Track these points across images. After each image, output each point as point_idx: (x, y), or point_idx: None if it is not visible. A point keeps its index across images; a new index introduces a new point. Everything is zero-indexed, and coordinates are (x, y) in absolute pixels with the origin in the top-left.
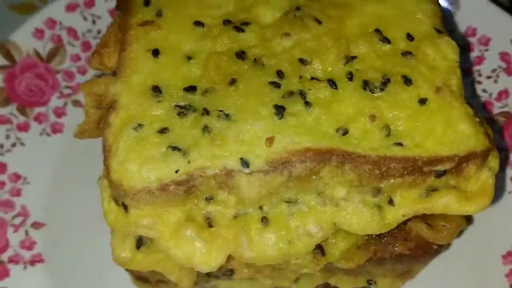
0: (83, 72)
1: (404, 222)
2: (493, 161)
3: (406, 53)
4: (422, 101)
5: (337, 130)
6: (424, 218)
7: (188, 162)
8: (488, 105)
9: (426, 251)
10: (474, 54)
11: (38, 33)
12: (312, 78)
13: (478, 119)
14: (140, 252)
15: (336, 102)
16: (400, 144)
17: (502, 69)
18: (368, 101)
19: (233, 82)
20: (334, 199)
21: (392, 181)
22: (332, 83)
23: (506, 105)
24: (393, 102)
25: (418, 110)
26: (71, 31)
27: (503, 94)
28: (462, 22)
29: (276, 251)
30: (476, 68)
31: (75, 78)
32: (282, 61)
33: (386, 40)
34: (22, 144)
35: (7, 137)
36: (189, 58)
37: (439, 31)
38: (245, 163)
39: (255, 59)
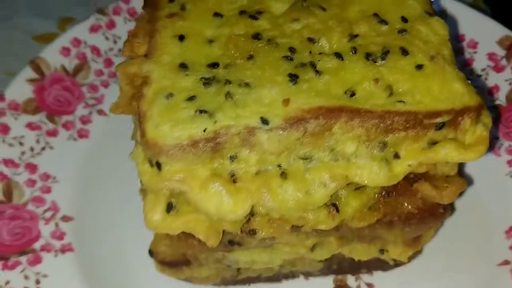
0: (106, 85)
1: (411, 183)
2: (486, 119)
3: (402, 31)
4: (419, 67)
5: (345, 92)
6: (429, 179)
7: (215, 122)
8: None
9: (432, 214)
10: (465, 56)
11: (65, 51)
12: (320, 53)
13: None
14: (170, 215)
15: (343, 71)
16: (402, 102)
17: (491, 67)
18: (371, 68)
19: (250, 57)
20: (345, 155)
21: (396, 134)
22: (339, 55)
23: (497, 99)
24: (394, 68)
25: (416, 74)
26: (95, 50)
27: (494, 89)
28: (451, 29)
29: (295, 201)
30: (467, 68)
31: (99, 90)
32: (293, 40)
33: (384, 22)
34: (51, 148)
35: (37, 141)
36: (211, 41)
37: (429, 14)
38: (265, 121)
39: (269, 40)
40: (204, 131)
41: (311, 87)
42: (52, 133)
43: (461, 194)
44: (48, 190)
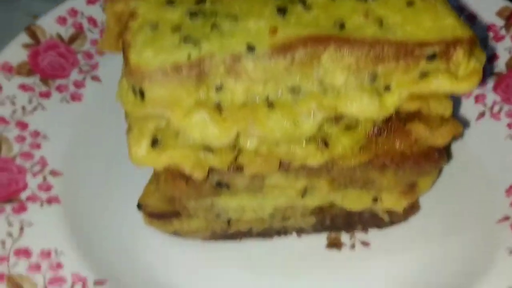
0: (101, 53)
1: (404, 123)
2: (480, 54)
3: None
4: (410, 3)
5: (334, 24)
6: (422, 120)
7: (199, 50)
8: None
9: (427, 158)
10: None
11: (61, 20)
12: None
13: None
14: (155, 150)
15: (333, 6)
16: (392, 33)
17: (490, 37)
18: (361, 3)
19: None
20: (335, 86)
21: (386, 64)
22: None
23: (496, 66)
24: (384, 5)
25: (407, 10)
26: (91, 20)
27: (492, 58)
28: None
29: (282, 130)
30: None
31: (93, 58)
32: None
33: None
34: (43, 108)
35: (30, 101)
36: None
37: None
38: (251, 48)
39: None
40: (189, 57)
41: (299, 20)
42: (45, 95)
43: (456, 137)
44: (37, 146)
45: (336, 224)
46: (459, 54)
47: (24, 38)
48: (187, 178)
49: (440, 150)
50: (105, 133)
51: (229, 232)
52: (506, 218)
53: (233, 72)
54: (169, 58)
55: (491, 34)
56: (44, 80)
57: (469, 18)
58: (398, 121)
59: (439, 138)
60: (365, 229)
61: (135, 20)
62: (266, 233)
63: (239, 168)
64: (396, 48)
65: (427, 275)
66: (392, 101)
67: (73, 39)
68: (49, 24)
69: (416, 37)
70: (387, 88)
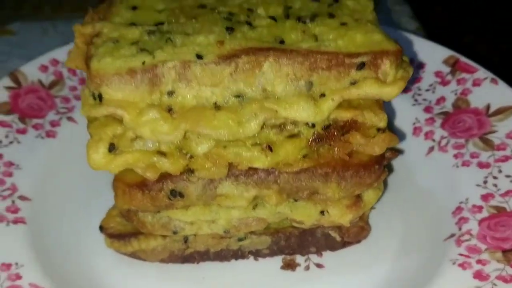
0: (78, 98)
1: (342, 133)
2: (408, 67)
3: (331, 4)
4: (344, 24)
5: (275, 39)
6: (359, 130)
7: (153, 57)
8: (429, 109)
9: (367, 168)
10: (413, 76)
11: (43, 68)
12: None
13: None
14: (112, 155)
15: (275, 27)
16: (326, 45)
17: (438, 82)
18: (300, 25)
19: (193, 18)
20: (276, 93)
21: (320, 73)
22: (273, 18)
23: (444, 107)
24: (321, 25)
25: (340, 28)
26: (71, 70)
27: (440, 100)
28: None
29: (227, 128)
30: (415, 85)
31: (71, 101)
32: (234, 9)
33: (316, 0)
34: (19, 142)
35: (6, 136)
36: (160, 11)
37: None
38: (199, 56)
39: (212, 8)
40: (143, 63)
41: (244, 36)
42: (22, 131)
43: (394, 154)
44: (9, 174)
45: (291, 245)
46: (386, 64)
47: (6, 81)
48: (142, 189)
49: (379, 162)
50: (76, 166)
51: (187, 253)
52: (452, 235)
53: (183, 77)
54: (125, 64)
55: (438, 80)
56: (22, 119)
57: (419, 66)
58: (337, 130)
59: (375, 146)
60: (319, 251)
61: (100, 37)
62: (223, 255)
63: (190, 171)
64: (328, 58)
65: None
66: (327, 106)
67: (53, 84)
68: (31, 71)
69: (347, 49)
70: (322, 95)
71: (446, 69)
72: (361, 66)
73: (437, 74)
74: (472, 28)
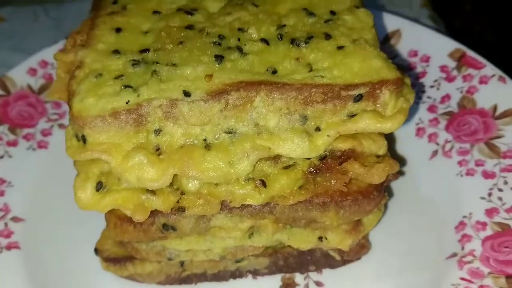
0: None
1: (340, 162)
2: (409, 95)
3: (328, 20)
4: (340, 47)
5: (267, 70)
6: (358, 159)
7: (138, 95)
8: (433, 108)
9: (366, 196)
10: (417, 70)
11: (32, 71)
12: (248, 40)
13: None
14: (99, 194)
15: (268, 53)
16: (321, 76)
17: (443, 78)
18: (294, 50)
19: (180, 43)
20: (268, 128)
21: (315, 107)
22: (265, 41)
23: (449, 106)
24: (316, 49)
25: (336, 52)
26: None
27: (445, 98)
28: (405, 47)
29: (218, 170)
30: (419, 81)
31: (61, 107)
32: (223, 29)
33: (312, 15)
34: (9, 156)
35: None
36: (146, 32)
37: (357, 7)
38: (187, 93)
39: (200, 29)
40: (127, 103)
41: (235, 66)
42: (12, 143)
43: (394, 176)
44: (1, 194)
45: (289, 264)
46: (385, 95)
47: None
48: (134, 223)
49: (378, 188)
50: (68, 180)
51: (184, 275)
52: (454, 254)
53: (170, 116)
54: (109, 105)
55: (444, 75)
56: (12, 129)
57: (423, 59)
58: (334, 160)
59: (375, 176)
60: (318, 269)
61: (81, 69)
62: (221, 276)
63: (180, 209)
64: (323, 91)
65: None
66: (323, 141)
67: (42, 89)
68: (20, 75)
69: (343, 80)
70: (318, 129)
71: (452, 64)
72: (358, 98)
73: (442, 68)
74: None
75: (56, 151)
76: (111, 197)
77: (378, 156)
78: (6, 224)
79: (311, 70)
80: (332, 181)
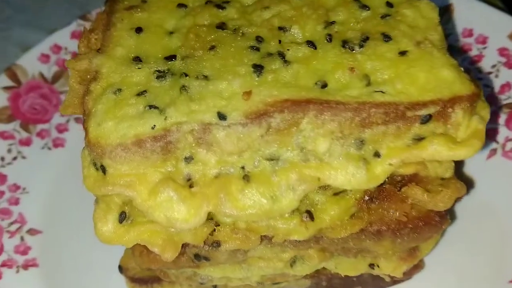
0: None
1: (399, 187)
2: (483, 111)
3: (385, 16)
4: (402, 53)
5: (315, 83)
6: (420, 183)
7: (165, 118)
8: (491, 99)
9: (427, 223)
10: (472, 53)
11: (44, 58)
12: (292, 42)
13: (462, 69)
14: (123, 226)
15: (315, 60)
16: (381, 92)
17: (502, 63)
18: (347, 56)
19: (212, 48)
20: (317, 154)
21: (374, 129)
22: (311, 44)
23: (509, 97)
24: (373, 56)
25: (398, 60)
26: (76, 56)
27: (505, 87)
28: (458, 25)
29: (258, 206)
30: (475, 66)
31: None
32: (262, 29)
33: (365, 7)
34: (23, 157)
35: (9, 151)
36: (171, 33)
37: None
38: (222, 116)
39: (234, 29)
40: (153, 128)
41: (277, 78)
42: (25, 142)
43: (459, 199)
44: (16, 202)
45: (333, 285)
46: (458, 115)
47: (3, 80)
48: None
49: (441, 213)
50: None
51: None
52: None
53: (203, 142)
54: (131, 130)
55: (503, 59)
56: (25, 125)
57: (479, 40)
58: (392, 185)
59: (439, 203)
60: None
61: (98, 81)
62: None
63: (215, 243)
64: (384, 111)
65: None
66: (383, 170)
67: (56, 77)
68: (30, 63)
69: (408, 97)
70: (376, 154)
71: None
72: (426, 118)
73: (502, 52)
74: None
75: (74, 149)
76: (136, 230)
77: (442, 178)
78: (22, 238)
79: (368, 84)
80: (391, 210)
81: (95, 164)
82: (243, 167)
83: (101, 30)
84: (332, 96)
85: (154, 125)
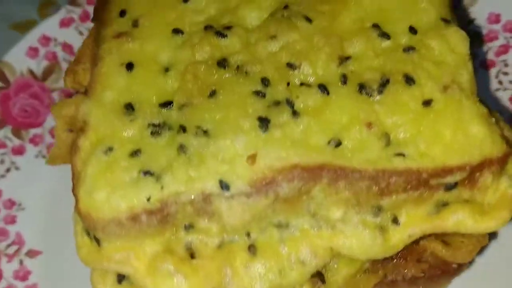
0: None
1: (417, 241)
2: None
3: (408, 49)
4: (427, 103)
5: (328, 142)
6: (439, 235)
7: (161, 188)
8: None
9: (445, 271)
10: (498, 42)
11: (32, 52)
12: (301, 84)
13: (494, 119)
14: (122, 286)
15: (328, 110)
16: (401, 155)
17: None
18: (364, 106)
19: (212, 94)
20: (330, 221)
21: (394, 197)
22: (324, 89)
23: None
24: (393, 106)
25: (422, 112)
26: (66, 47)
27: None
28: (484, 9)
29: (265, 283)
30: (501, 58)
31: (72, 95)
32: (268, 67)
33: (386, 36)
34: (17, 168)
35: (2, 161)
36: (166, 70)
37: (446, 21)
38: (224, 185)
39: (237, 67)
40: (148, 200)
41: (285, 134)
42: (18, 151)
43: (481, 250)
44: (12, 220)
45: None
46: (486, 179)
47: None
48: None
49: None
50: None
51: None
52: None
53: (204, 212)
54: (124, 202)
55: None
56: (17, 131)
57: (507, 28)
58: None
59: (459, 257)
60: None
61: (86, 136)
62: None
63: None
64: (406, 179)
65: None
66: (401, 239)
67: (47, 73)
68: (18, 59)
69: (432, 160)
70: (395, 221)
71: None
72: (451, 186)
73: None
74: None
75: None
76: None
77: None
78: (21, 262)
79: (388, 143)
80: (408, 263)
81: (88, 233)
82: (248, 234)
83: (88, 60)
84: (347, 161)
85: (150, 197)
